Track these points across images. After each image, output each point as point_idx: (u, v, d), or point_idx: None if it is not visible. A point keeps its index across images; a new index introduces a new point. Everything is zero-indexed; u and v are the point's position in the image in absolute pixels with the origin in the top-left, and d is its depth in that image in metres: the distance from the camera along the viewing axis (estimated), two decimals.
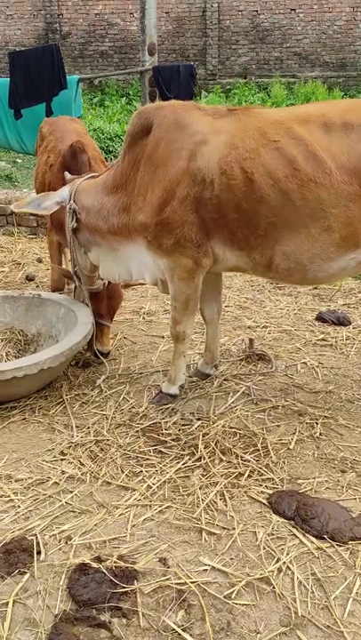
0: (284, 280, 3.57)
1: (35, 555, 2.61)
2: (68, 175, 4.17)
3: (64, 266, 5.23)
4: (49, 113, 8.79)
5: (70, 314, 4.15)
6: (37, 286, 5.82)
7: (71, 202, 3.81)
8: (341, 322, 4.88)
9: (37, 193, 4.99)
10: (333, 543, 2.66)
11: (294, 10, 16.94)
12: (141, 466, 3.20)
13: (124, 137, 3.65)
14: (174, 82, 10.19)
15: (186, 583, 2.46)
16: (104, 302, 4.24)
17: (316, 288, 5.60)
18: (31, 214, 6.64)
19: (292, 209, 3.15)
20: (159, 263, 3.55)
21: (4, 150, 11.00)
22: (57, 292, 4.95)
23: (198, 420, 3.59)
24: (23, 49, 12.81)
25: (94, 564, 2.53)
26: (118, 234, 3.65)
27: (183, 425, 3.55)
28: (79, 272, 4.08)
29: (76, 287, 4.28)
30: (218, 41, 17.38)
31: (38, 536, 2.72)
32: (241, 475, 3.11)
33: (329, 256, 3.24)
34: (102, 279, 4.12)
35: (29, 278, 6.01)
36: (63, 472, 3.17)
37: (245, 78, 17.19)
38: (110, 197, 3.66)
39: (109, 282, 4.17)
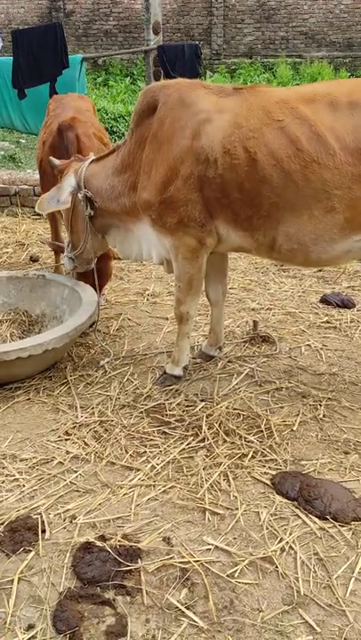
0: (287, 261, 3.55)
1: (39, 533, 2.64)
2: (55, 161, 4.03)
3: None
4: (53, 93, 8.72)
5: (74, 295, 4.15)
6: (41, 267, 5.82)
7: (84, 190, 3.78)
8: (346, 304, 4.88)
9: (38, 170, 4.99)
10: (336, 524, 2.68)
11: None
12: (145, 446, 3.22)
13: (132, 116, 3.62)
14: (179, 61, 10.09)
15: (189, 562, 2.48)
16: (92, 277, 4.22)
17: (320, 270, 5.58)
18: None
19: (294, 190, 3.12)
20: (164, 242, 3.54)
21: (8, 130, 10.95)
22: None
23: (202, 401, 3.60)
24: (26, 27, 12.66)
25: (99, 543, 2.56)
26: (131, 214, 3.64)
27: (187, 406, 3.56)
28: (78, 256, 4.06)
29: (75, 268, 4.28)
30: (223, 20, 17.15)
31: (43, 515, 2.74)
32: (245, 455, 3.12)
33: (333, 238, 3.22)
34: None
35: (33, 259, 6.01)
36: (68, 452, 3.19)
37: (251, 58, 16.99)
38: (120, 178, 3.64)
39: (99, 257, 4.20)
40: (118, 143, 3.77)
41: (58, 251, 5.20)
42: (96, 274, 4.16)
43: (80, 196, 3.79)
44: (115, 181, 3.67)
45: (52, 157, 4.12)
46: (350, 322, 4.62)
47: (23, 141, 10.83)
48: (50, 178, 4.28)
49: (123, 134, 10.10)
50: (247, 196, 3.20)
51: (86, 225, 3.88)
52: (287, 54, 16.77)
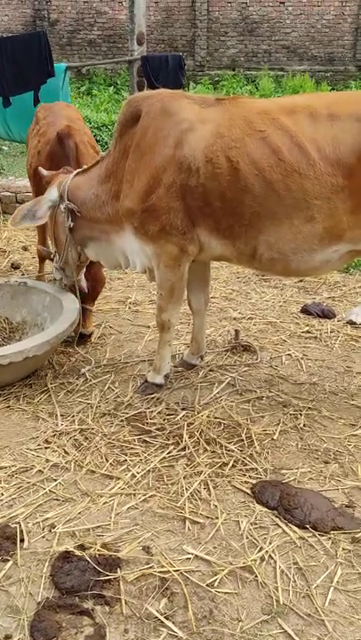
0: (268, 270, 3.58)
1: (18, 542, 2.60)
2: (43, 172, 4.10)
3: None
4: (37, 101, 8.69)
5: (56, 302, 4.13)
6: (23, 274, 5.79)
7: (67, 202, 3.77)
8: (326, 314, 4.91)
9: (29, 178, 4.97)
10: (315, 533, 2.68)
11: (283, 3, 16.89)
12: (126, 455, 3.20)
13: (115, 125, 3.64)
14: (163, 72, 10.10)
15: (169, 571, 2.46)
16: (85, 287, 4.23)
17: (301, 281, 5.62)
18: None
19: (275, 199, 3.15)
20: (146, 250, 3.55)
21: None
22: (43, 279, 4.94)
23: (183, 409, 3.60)
24: (10, 35, 12.65)
25: (78, 552, 2.53)
26: (113, 222, 3.65)
27: (168, 415, 3.56)
28: (65, 266, 4.05)
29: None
30: (207, 32, 17.28)
31: (22, 524, 2.71)
32: (225, 464, 3.12)
33: (312, 247, 3.25)
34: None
35: (15, 266, 5.98)
36: (47, 460, 3.16)
37: (234, 70, 17.13)
38: (104, 187, 3.65)
39: (91, 266, 4.20)
40: (102, 154, 3.78)
41: (45, 257, 5.16)
42: (89, 282, 4.17)
43: (62, 207, 3.79)
44: (99, 190, 3.68)
45: (40, 168, 4.14)
46: (331, 332, 4.65)
47: (6, 148, 10.79)
48: (45, 187, 4.28)
49: (106, 143, 10.12)
50: (229, 205, 3.23)
51: (66, 237, 3.87)
52: (270, 67, 16.95)
